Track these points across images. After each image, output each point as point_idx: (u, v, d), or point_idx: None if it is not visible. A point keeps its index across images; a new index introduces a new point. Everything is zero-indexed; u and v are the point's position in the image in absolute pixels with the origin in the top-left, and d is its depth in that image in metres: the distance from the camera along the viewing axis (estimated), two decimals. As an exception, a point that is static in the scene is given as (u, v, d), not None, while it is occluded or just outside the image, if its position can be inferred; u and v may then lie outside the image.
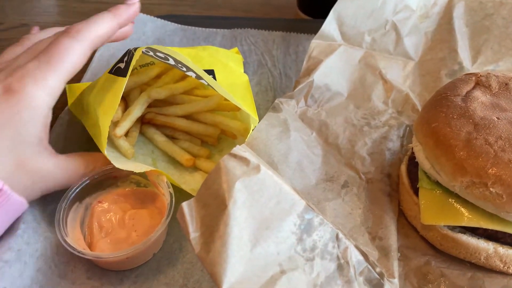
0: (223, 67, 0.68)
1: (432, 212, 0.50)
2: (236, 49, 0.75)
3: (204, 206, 0.38)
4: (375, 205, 0.54)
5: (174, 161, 0.61)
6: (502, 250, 0.47)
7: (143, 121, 0.63)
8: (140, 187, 0.55)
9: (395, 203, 0.55)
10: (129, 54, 0.57)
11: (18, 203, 0.47)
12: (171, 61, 0.57)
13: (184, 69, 0.57)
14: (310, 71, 0.67)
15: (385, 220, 0.52)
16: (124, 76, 0.54)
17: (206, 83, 0.56)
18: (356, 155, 0.59)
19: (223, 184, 0.38)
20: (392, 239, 0.50)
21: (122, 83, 0.53)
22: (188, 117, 0.63)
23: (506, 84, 0.53)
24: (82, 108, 0.60)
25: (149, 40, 0.78)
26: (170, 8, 0.94)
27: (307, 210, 0.41)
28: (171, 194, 0.51)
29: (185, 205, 0.38)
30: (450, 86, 0.54)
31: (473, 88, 0.53)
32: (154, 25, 0.81)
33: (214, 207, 0.38)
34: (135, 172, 0.53)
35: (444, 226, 0.49)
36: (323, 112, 0.65)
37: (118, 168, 0.51)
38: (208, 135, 0.63)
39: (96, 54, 0.73)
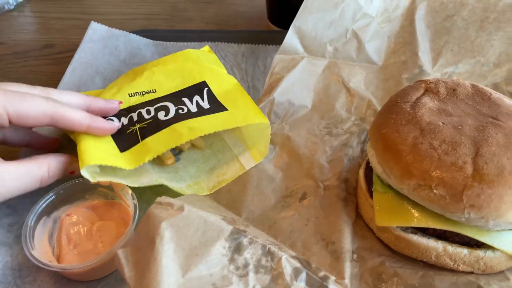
0: (211, 74, 0.68)
1: (386, 214, 0.52)
2: (207, 47, 0.76)
3: (138, 250, 0.42)
4: (330, 211, 0.56)
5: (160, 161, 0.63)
6: (451, 248, 0.49)
7: None
8: (107, 200, 0.57)
9: (350, 207, 0.57)
10: (130, 121, 0.60)
11: None
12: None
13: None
14: (271, 88, 0.70)
15: (338, 225, 0.54)
16: (119, 149, 0.57)
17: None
18: (316, 164, 0.62)
19: (151, 228, 0.42)
20: (344, 241, 0.52)
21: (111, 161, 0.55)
22: None
23: (453, 89, 0.55)
24: None
25: (121, 55, 0.81)
26: (144, 22, 0.96)
27: (235, 233, 0.44)
28: (135, 205, 0.53)
29: (120, 252, 0.42)
30: (401, 93, 0.57)
31: (422, 94, 0.55)
32: (126, 40, 0.84)
33: (145, 247, 0.41)
34: (102, 185, 0.56)
35: (396, 227, 0.51)
36: (287, 126, 0.67)
37: (86, 182, 0.54)
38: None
39: (68, 69, 0.75)
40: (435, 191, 0.46)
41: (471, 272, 0.50)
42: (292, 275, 0.45)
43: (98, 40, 0.81)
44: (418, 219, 0.49)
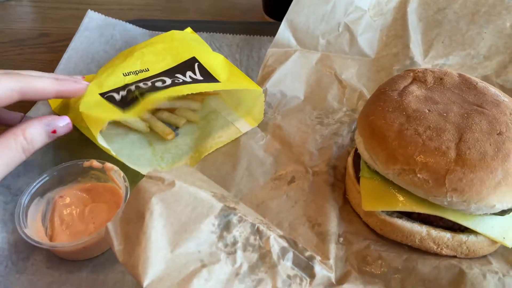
0: (199, 51, 0.71)
1: (372, 199, 0.53)
2: (189, 28, 0.79)
3: (127, 223, 0.42)
4: (318, 195, 0.57)
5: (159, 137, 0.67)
6: (434, 232, 0.51)
7: None
8: (100, 182, 0.58)
9: (338, 192, 0.58)
10: (128, 92, 0.62)
11: None
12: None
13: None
14: (264, 80, 0.72)
15: (325, 209, 0.55)
16: (121, 109, 0.59)
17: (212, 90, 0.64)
18: (305, 151, 0.63)
19: (141, 202, 0.43)
20: (331, 224, 0.54)
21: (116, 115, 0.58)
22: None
23: (441, 78, 0.56)
24: (69, 109, 0.64)
25: (117, 44, 0.82)
26: (140, 12, 0.97)
27: (225, 210, 0.45)
28: (127, 187, 0.54)
29: (109, 224, 0.43)
30: (389, 81, 0.58)
31: (410, 83, 0.56)
32: (123, 29, 0.84)
33: (134, 222, 0.42)
34: (95, 168, 0.57)
35: (382, 211, 0.53)
36: (279, 116, 0.68)
37: (79, 165, 0.55)
38: (192, 103, 0.68)
39: (64, 56, 0.76)
40: (418, 175, 0.48)
41: (454, 256, 0.51)
42: (279, 254, 0.46)
43: (95, 28, 0.82)
44: (403, 203, 0.51)
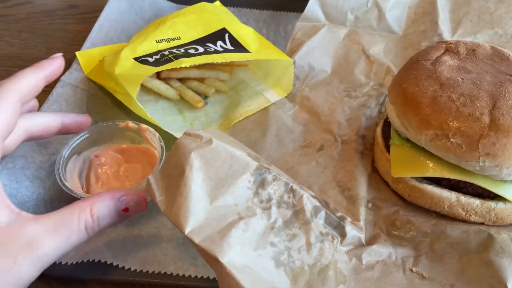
0: (230, 22, 0.72)
1: (401, 166, 0.54)
2: (218, 2, 0.81)
3: (167, 177, 0.44)
4: (347, 162, 0.58)
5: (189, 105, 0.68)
6: (464, 199, 0.51)
7: (158, 79, 0.68)
8: (134, 144, 0.60)
9: (367, 159, 0.59)
10: (162, 56, 0.63)
11: None
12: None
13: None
14: (292, 52, 0.73)
15: (355, 174, 0.56)
16: (155, 67, 0.61)
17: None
18: (334, 121, 0.64)
19: (181, 156, 0.44)
20: (360, 189, 0.55)
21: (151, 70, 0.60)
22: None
23: (473, 50, 0.57)
24: (103, 75, 0.66)
25: (146, 15, 0.83)
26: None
27: (260, 169, 0.46)
28: (162, 147, 0.55)
29: (150, 177, 0.44)
30: (422, 52, 0.59)
31: (443, 54, 0.57)
32: (152, 1, 0.85)
33: (175, 175, 0.43)
34: (130, 129, 0.58)
35: (411, 178, 0.53)
36: (306, 89, 0.69)
37: (114, 125, 0.57)
38: (221, 73, 0.69)
39: (96, 25, 0.78)
40: (452, 140, 0.48)
41: (482, 223, 0.52)
42: (312, 212, 0.47)
43: (124, 0, 0.83)
44: (433, 169, 0.51)
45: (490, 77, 0.52)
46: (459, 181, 0.51)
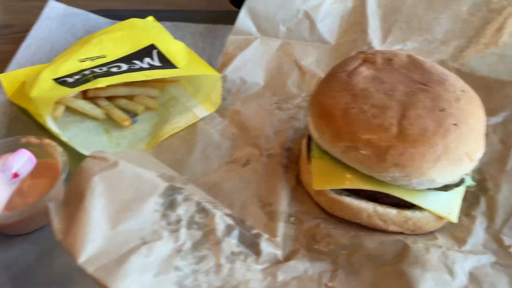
0: (159, 38, 0.71)
1: (321, 178, 0.54)
2: (151, 17, 0.80)
3: (68, 204, 0.43)
4: (271, 176, 0.58)
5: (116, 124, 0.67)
6: (381, 209, 0.51)
7: (85, 98, 0.66)
8: (39, 159, 0.57)
9: (291, 173, 0.59)
10: (83, 75, 0.62)
11: None
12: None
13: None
14: (224, 66, 0.72)
15: (277, 188, 0.56)
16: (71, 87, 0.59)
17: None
18: (262, 135, 0.64)
19: (82, 181, 0.43)
20: (281, 204, 0.54)
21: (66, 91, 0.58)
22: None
23: (390, 59, 0.57)
24: (25, 97, 0.63)
25: (78, 33, 0.81)
26: (106, 3, 0.97)
27: (170, 190, 0.45)
28: (64, 161, 0.54)
29: (51, 204, 0.43)
30: (341, 63, 0.59)
31: (360, 64, 0.57)
32: (84, 18, 0.84)
33: (75, 201, 0.42)
34: (33, 144, 0.57)
35: (331, 190, 0.53)
36: (238, 102, 0.69)
37: (16, 141, 0.57)
38: (150, 90, 0.69)
39: (23, 45, 0.76)
40: (362, 151, 0.48)
41: (401, 233, 0.52)
42: (224, 231, 0.46)
43: (55, 18, 0.81)
44: (349, 181, 0.51)
45: (403, 86, 0.52)
46: (375, 192, 0.51)
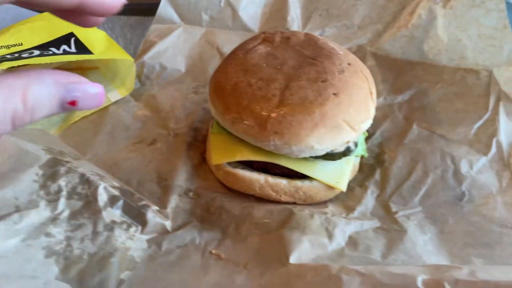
0: (80, 27, 0.72)
1: (219, 152, 0.55)
2: None
3: None
4: (173, 154, 0.58)
5: None
6: (272, 180, 0.52)
7: None
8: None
9: (194, 150, 0.60)
10: None
11: None
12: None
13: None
14: (143, 53, 0.73)
15: (176, 165, 0.57)
16: None
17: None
18: (173, 117, 0.65)
19: None
20: (178, 178, 0.55)
21: None
22: None
23: (288, 38, 0.59)
24: None
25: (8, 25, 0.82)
26: None
27: (52, 162, 0.46)
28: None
29: None
30: (243, 43, 0.60)
31: (259, 43, 0.58)
32: (16, 13, 0.85)
33: None
34: None
35: (227, 164, 0.54)
36: (156, 88, 0.70)
37: None
38: None
39: None
40: (245, 122, 0.49)
41: (294, 203, 0.53)
42: (107, 202, 0.47)
43: (-17, 12, 0.82)
44: (241, 153, 0.52)
45: (293, 61, 0.54)
46: (266, 163, 0.52)
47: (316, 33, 0.77)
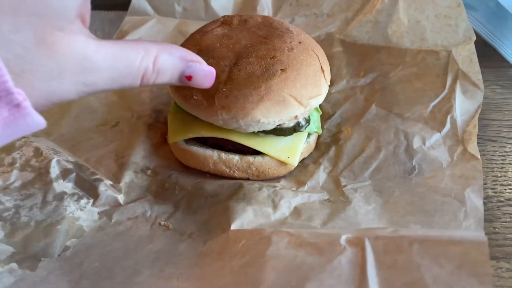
0: None
1: (174, 131, 0.56)
2: None
3: None
4: (134, 134, 0.60)
5: None
6: (224, 156, 0.54)
7: None
8: None
9: (155, 131, 0.61)
10: None
11: (34, 124, 0.30)
12: None
13: None
14: None
15: (135, 144, 0.58)
16: None
17: None
18: (139, 100, 0.66)
19: None
20: (134, 156, 0.56)
21: None
22: None
23: (245, 20, 0.60)
24: None
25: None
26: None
27: None
28: None
29: None
30: (202, 26, 0.62)
31: (218, 26, 0.60)
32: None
33: None
34: None
35: (182, 141, 0.56)
36: None
37: None
38: None
39: None
40: (195, 97, 0.51)
41: (248, 179, 0.54)
42: (59, 174, 0.48)
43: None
44: (193, 130, 0.54)
45: (245, 41, 0.55)
46: (220, 139, 0.54)
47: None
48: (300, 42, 0.55)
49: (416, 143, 0.55)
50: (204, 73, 0.40)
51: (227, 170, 0.54)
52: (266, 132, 0.52)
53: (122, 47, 0.35)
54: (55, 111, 0.65)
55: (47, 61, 0.31)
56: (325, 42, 0.75)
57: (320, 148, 0.58)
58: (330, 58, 0.71)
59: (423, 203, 0.47)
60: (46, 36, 0.31)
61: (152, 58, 0.36)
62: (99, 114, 0.64)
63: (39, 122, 0.30)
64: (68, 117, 0.64)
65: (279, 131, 0.52)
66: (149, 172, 0.56)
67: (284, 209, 0.48)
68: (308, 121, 0.54)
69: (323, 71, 0.55)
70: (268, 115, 0.50)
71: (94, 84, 0.34)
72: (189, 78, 0.39)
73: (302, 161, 0.57)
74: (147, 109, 0.65)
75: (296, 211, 0.48)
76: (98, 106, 0.66)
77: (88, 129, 0.62)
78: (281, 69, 0.51)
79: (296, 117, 0.51)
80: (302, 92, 0.51)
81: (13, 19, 0.29)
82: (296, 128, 0.53)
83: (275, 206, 0.48)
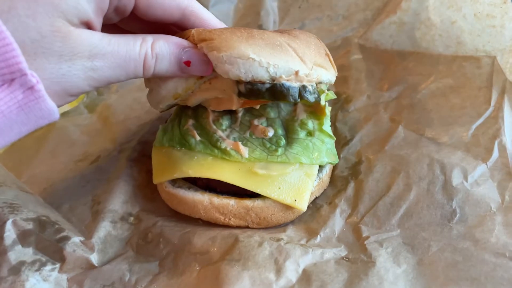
0: None
1: (159, 170, 0.47)
2: None
3: None
4: (114, 172, 0.51)
5: None
6: (217, 200, 0.44)
7: None
8: None
9: (138, 168, 0.52)
10: None
11: (47, 111, 0.33)
12: None
13: None
14: None
15: (114, 185, 0.49)
16: None
17: None
18: (124, 128, 0.58)
19: None
20: (112, 201, 0.48)
21: None
22: None
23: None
24: None
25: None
26: None
27: None
28: None
29: None
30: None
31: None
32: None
33: None
34: None
35: (168, 183, 0.47)
36: (114, 96, 0.64)
37: None
38: None
39: None
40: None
41: (247, 227, 0.45)
42: (16, 239, 0.40)
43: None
44: (180, 169, 0.44)
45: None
46: (210, 180, 0.44)
47: (295, 27, 0.69)
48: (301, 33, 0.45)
49: (456, 178, 0.44)
50: (201, 57, 0.40)
51: (221, 218, 0.44)
52: (263, 94, 0.40)
53: (124, 36, 0.38)
54: (29, 145, 0.57)
55: (60, 46, 0.33)
56: (341, 49, 0.65)
57: (336, 184, 0.48)
58: (347, 68, 0.61)
59: (469, 266, 0.36)
60: (61, 26, 0.33)
61: (149, 43, 0.39)
62: (78, 147, 0.56)
63: (52, 109, 0.33)
64: (44, 151, 0.56)
65: (279, 94, 0.40)
66: (131, 219, 0.48)
67: (290, 273, 0.38)
68: (317, 93, 0.42)
69: (327, 54, 0.45)
70: (259, 53, 0.39)
71: (101, 69, 0.36)
72: (188, 63, 0.40)
73: (313, 202, 0.47)
74: (132, 140, 0.56)
75: (305, 277, 0.38)
76: (78, 138, 0.58)
77: (64, 167, 0.53)
78: (281, 32, 0.43)
79: (297, 73, 0.40)
80: (305, 50, 0.42)
81: (30, 5, 0.32)
82: (302, 93, 0.41)
83: (278, 270, 0.38)
